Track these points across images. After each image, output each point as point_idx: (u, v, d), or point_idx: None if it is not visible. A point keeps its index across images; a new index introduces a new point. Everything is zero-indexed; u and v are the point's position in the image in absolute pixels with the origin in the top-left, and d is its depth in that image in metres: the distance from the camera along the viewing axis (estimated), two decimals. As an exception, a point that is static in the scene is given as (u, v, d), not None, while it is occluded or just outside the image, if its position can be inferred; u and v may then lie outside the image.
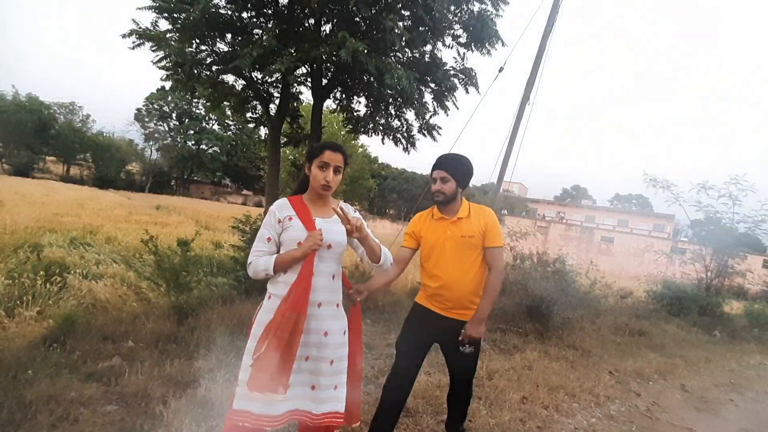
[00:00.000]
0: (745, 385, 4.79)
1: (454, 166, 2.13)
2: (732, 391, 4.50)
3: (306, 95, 9.58)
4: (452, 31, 7.36)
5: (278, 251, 1.65)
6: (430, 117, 8.17)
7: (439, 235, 2.14)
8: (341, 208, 1.63)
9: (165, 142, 44.00)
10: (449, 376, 2.39)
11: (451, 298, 2.12)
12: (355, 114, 8.90)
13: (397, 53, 7.31)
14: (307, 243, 1.58)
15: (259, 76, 7.86)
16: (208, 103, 10.72)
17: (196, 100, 37.91)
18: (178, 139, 44.06)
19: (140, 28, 6.53)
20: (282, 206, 1.68)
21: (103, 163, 38.77)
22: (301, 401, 1.62)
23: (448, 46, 7.61)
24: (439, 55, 7.70)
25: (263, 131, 13.94)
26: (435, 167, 2.15)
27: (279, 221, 1.65)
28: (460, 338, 2.08)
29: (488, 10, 7.08)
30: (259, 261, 1.62)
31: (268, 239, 1.64)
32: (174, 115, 44.24)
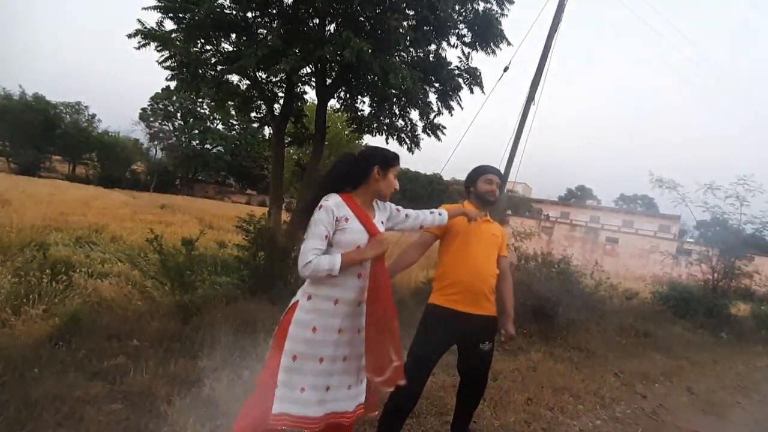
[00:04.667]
0: (752, 387, 4.75)
1: (502, 178, 2.50)
2: (739, 393, 4.47)
3: (310, 95, 9.59)
4: (457, 31, 7.34)
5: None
6: (435, 117, 8.16)
7: (473, 228, 2.23)
8: None
9: (170, 141, 44.22)
10: (462, 376, 2.39)
11: (479, 289, 2.21)
12: (359, 114, 8.89)
13: (402, 53, 7.29)
14: (381, 247, 1.62)
15: (264, 76, 7.86)
16: (212, 103, 10.78)
17: (200, 100, 37.97)
18: (183, 139, 44.24)
19: (145, 28, 6.55)
20: (339, 205, 1.63)
21: (108, 163, 38.99)
22: (339, 403, 1.64)
23: (453, 46, 7.59)
24: (443, 55, 7.68)
25: (267, 131, 13.98)
26: (491, 171, 2.41)
27: (337, 220, 1.60)
28: (503, 337, 2.36)
29: (493, 10, 7.05)
30: (322, 260, 1.54)
31: (326, 236, 1.58)
32: (179, 114, 44.44)
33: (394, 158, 1.75)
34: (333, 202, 1.62)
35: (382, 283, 1.62)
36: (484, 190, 2.34)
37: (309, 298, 1.63)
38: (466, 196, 2.49)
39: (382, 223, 1.79)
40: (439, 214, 2.02)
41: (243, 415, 1.65)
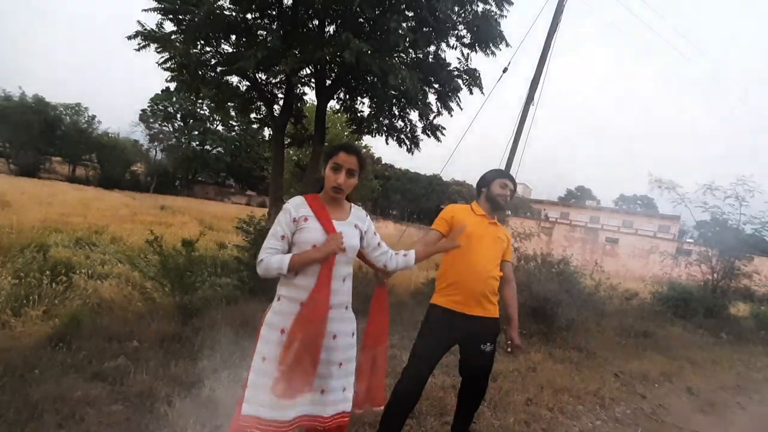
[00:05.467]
0: (751, 387, 4.75)
1: (515, 185, 2.45)
2: (738, 393, 4.47)
3: (310, 96, 9.64)
4: (456, 32, 7.36)
5: (289, 250, 1.61)
6: (434, 117, 8.18)
7: (481, 230, 2.26)
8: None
9: (169, 142, 44.19)
10: (463, 377, 2.40)
11: (479, 291, 2.20)
12: (358, 114, 8.92)
13: (401, 54, 7.31)
14: (329, 246, 1.55)
15: (264, 77, 7.89)
16: (212, 104, 10.83)
17: (200, 101, 38.00)
18: (183, 140, 44.21)
19: (146, 29, 6.57)
20: (298, 205, 1.63)
21: (108, 164, 38.99)
22: (311, 406, 1.60)
23: (453, 47, 7.62)
24: (443, 56, 7.71)
25: (267, 132, 14.01)
26: (508, 176, 2.41)
27: (294, 220, 1.59)
28: (509, 348, 2.35)
29: (492, 11, 7.07)
30: (272, 259, 1.55)
31: (282, 237, 1.59)
32: (178, 115, 44.43)
33: (332, 150, 1.66)
34: (293, 203, 1.63)
35: (322, 285, 1.56)
36: (498, 193, 2.33)
37: (279, 299, 1.62)
38: (476, 197, 2.47)
39: (356, 227, 1.71)
40: (404, 255, 1.91)
41: (234, 417, 1.64)
